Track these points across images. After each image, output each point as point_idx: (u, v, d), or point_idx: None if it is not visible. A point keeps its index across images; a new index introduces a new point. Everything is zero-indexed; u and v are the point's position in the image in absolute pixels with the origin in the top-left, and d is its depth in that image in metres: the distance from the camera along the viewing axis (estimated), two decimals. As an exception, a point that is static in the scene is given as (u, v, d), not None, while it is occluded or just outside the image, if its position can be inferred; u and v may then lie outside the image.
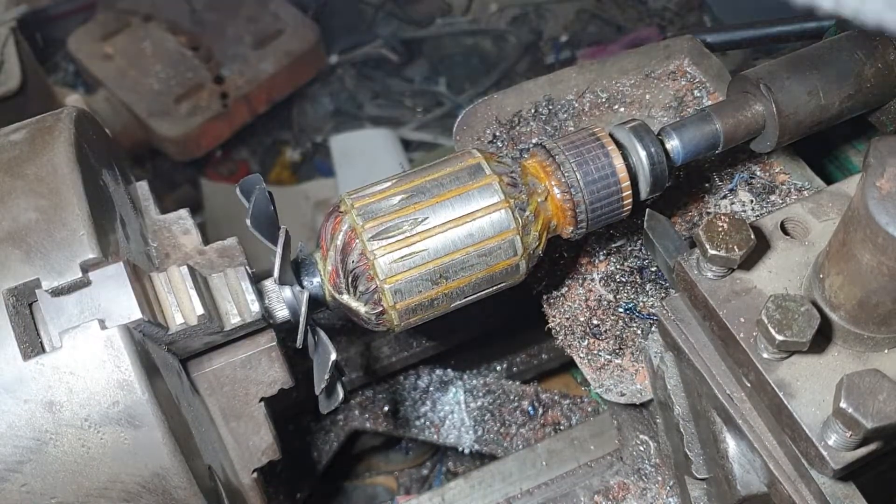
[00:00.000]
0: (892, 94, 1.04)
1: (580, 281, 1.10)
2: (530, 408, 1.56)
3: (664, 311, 0.91)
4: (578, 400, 1.57)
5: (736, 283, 0.84)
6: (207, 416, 0.94)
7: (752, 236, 0.81)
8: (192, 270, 0.83)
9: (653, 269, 1.08)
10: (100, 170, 0.90)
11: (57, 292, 0.75)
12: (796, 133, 0.99)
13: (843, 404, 0.69)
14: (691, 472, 0.96)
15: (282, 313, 0.91)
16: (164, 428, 0.74)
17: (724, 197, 1.13)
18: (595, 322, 1.06)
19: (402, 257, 0.87)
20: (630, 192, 0.92)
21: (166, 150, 2.98)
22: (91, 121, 0.94)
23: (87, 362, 0.73)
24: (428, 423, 1.58)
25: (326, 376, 0.90)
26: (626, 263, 1.09)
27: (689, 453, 0.95)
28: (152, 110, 2.90)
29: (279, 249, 0.86)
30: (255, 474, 0.97)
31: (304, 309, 0.88)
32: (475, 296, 0.94)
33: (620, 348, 1.04)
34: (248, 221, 0.87)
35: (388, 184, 0.91)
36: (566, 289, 1.09)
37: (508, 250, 0.90)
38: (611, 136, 0.93)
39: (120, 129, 2.89)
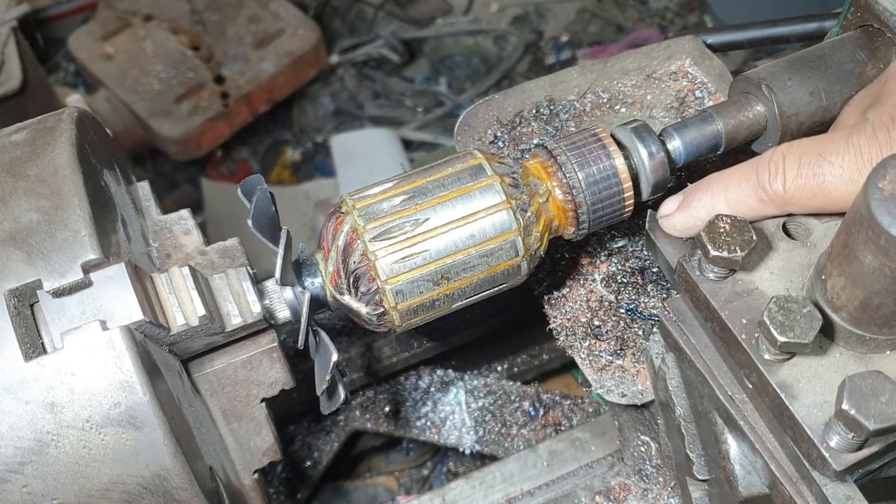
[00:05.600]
0: (893, 95, 1.04)
1: (581, 282, 1.10)
2: (531, 408, 1.56)
3: (666, 312, 0.91)
4: (579, 401, 1.57)
5: (738, 285, 0.84)
6: (208, 417, 0.94)
7: (754, 237, 0.81)
8: (193, 271, 0.83)
9: (654, 269, 1.08)
10: (101, 170, 0.90)
11: (58, 293, 0.75)
12: (798, 134, 0.99)
13: (845, 406, 0.69)
14: (692, 473, 0.96)
15: (283, 314, 0.91)
16: (166, 429, 0.74)
17: (726, 198, 1.13)
18: (596, 323, 1.06)
19: (403, 258, 0.86)
20: (632, 192, 0.92)
21: (167, 150, 2.98)
22: (92, 121, 0.94)
23: (89, 363, 0.73)
24: (429, 423, 1.58)
25: (328, 377, 0.90)
26: (627, 264, 1.09)
27: (690, 454, 0.95)
28: (153, 110, 2.90)
29: (280, 250, 0.86)
30: (256, 475, 0.97)
31: (305, 309, 0.88)
32: (476, 297, 0.94)
33: (622, 349, 1.04)
34: (249, 222, 0.87)
35: (390, 184, 0.91)
36: (567, 289, 1.09)
37: (510, 251, 0.90)
38: (612, 136, 0.93)
39: (121, 129, 2.90)
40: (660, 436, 1.05)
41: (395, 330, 0.92)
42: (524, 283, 0.97)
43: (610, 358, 1.03)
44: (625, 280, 1.08)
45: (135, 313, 0.76)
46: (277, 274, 0.86)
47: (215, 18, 3.13)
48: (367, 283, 0.87)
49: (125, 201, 0.94)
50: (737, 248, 0.80)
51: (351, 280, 0.88)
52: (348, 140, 3.10)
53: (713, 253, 0.81)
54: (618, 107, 1.21)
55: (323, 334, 0.92)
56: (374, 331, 0.93)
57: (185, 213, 1.01)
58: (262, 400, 0.97)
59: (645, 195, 0.94)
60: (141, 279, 0.79)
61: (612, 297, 1.08)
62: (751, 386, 0.81)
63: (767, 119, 0.98)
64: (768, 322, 0.74)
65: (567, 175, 0.91)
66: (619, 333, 1.05)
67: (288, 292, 0.90)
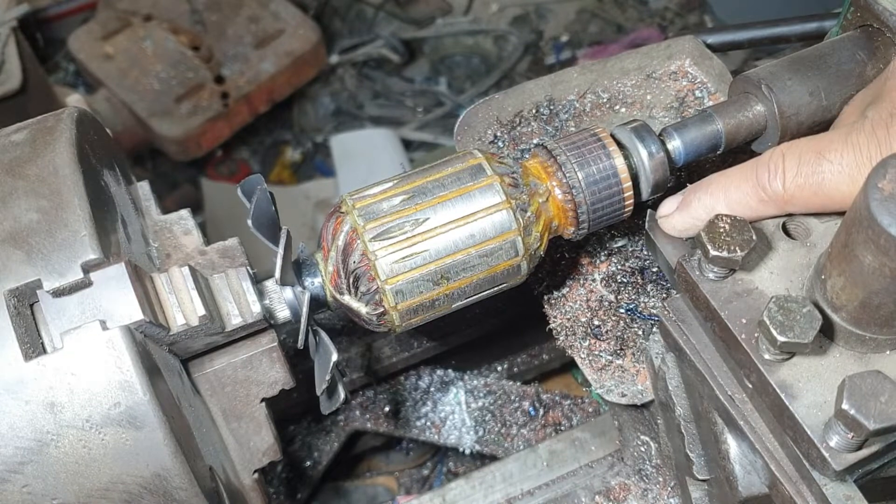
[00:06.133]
0: (893, 95, 1.04)
1: (581, 281, 1.10)
2: (531, 408, 1.56)
3: (665, 312, 0.91)
4: (579, 400, 1.57)
5: (737, 285, 0.84)
6: (208, 417, 0.94)
7: (754, 237, 0.81)
8: (193, 271, 0.83)
9: (654, 269, 1.08)
10: (101, 170, 0.90)
11: (58, 293, 0.75)
12: (798, 134, 0.99)
13: (844, 406, 0.69)
14: (692, 473, 0.96)
15: (283, 314, 0.91)
16: (166, 429, 0.74)
17: (726, 198, 1.13)
18: (596, 323, 1.06)
19: (403, 258, 0.86)
20: (631, 192, 0.92)
21: (167, 150, 2.98)
22: (92, 121, 0.94)
23: (89, 363, 0.73)
24: (429, 423, 1.58)
25: (327, 377, 0.90)
26: (627, 264, 1.09)
27: (690, 454, 0.95)
28: (153, 110, 2.90)
29: (280, 250, 0.86)
30: (256, 475, 0.97)
31: (305, 309, 0.88)
32: (476, 296, 0.94)
33: (621, 349, 1.04)
34: (249, 222, 0.87)
35: (390, 184, 0.91)
36: (567, 289, 1.09)
37: (510, 251, 0.90)
38: (612, 136, 0.93)
39: (121, 129, 2.90)
40: (660, 436, 1.05)
41: (395, 330, 0.92)
42: (524, 283, 0.97)
43: (610, 358, 1.03)
44: (625, 280, 1.08)
45: (135, 313, 0.76)
46: (277, 274, 0.86)
47: (215, 18, 3.13)
48: (367, 282, 0.87)
49: (125, 201, 0.94)
50: (736, 248, 0.80)
51: (351, 280, 0.88)
52: (348, 140, 3.10)
53: (713, 253, 0.81)
54: (618, 107, 1.21)
55: (323, 334, 0.92)
56: (374, 331, 0.93)
57: (184, 212, 1.01)
58: (262, 400, 0.97)
59: (645, 195, 0.94)
60: (141, 279, 0.79)
61: (612, 297, 1.08)
62: (751, 386, 0.81)
63: (767, 119, 0.98)
64: (768, 322, 0.74)
65: (567, 175, 0.91)
66: (619, 333, 1.05)
67: (288, 292, 0.90)
